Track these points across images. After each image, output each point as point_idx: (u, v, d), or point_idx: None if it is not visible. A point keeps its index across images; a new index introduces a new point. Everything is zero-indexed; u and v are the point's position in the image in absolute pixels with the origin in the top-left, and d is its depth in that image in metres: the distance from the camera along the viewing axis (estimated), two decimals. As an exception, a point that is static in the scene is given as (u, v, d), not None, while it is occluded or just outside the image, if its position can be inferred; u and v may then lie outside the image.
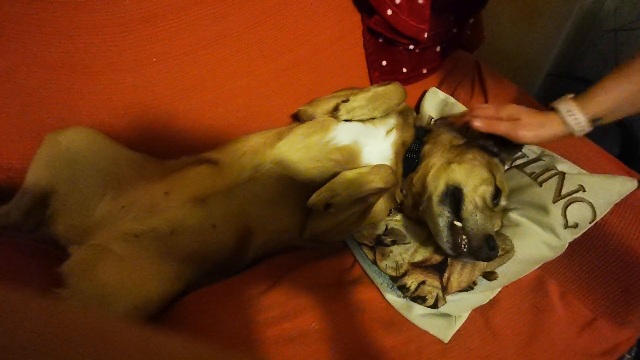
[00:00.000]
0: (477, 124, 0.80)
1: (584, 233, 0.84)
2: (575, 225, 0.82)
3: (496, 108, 0.82)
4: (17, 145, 0.78)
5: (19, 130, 0.77)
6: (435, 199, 0.79)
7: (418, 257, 0.83)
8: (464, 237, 0.74)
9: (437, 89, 1.15)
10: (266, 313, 0.74)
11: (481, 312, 0.84)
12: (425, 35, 1.01)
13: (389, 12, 0.94)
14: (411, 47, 1.07)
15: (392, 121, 0.89)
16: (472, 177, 0.79)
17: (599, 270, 0.87)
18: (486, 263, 0.79)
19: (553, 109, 0.77)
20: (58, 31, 0.71)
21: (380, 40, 1.05)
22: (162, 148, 0.87)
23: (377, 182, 0.79)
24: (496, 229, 0.83)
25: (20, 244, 0.80)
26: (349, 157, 0.84)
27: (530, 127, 0.77)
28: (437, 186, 0.80)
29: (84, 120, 0.80)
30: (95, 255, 0.72)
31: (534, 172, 0.88)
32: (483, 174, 0.80)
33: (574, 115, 0.74)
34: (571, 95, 0.76)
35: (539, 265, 0.86)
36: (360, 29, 1.04)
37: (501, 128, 0.79)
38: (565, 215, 0.81)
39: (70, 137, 0.78)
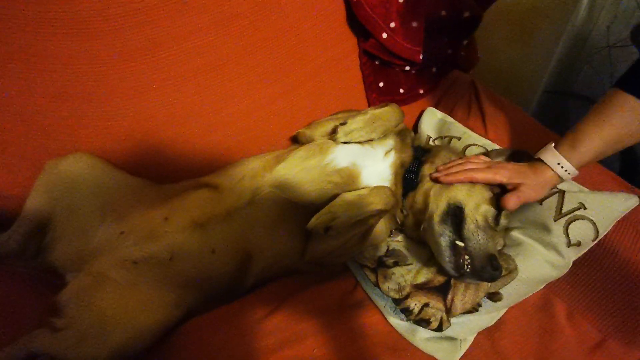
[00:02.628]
0: (511, 204, 0.78)
1: (588, 251, 0.83)
2: (578, 244, 0.81)
3: (491, 167, 0.83)
4: (17, 172, 0.78)
5: (19, 158, 0.78)
6: (436, 218, 0.78)
7: (420, 279, 0.81)
8: (466, 257, 0.73)
9: (434, 109, 1.16)
10: (267, 339, 0.72)
11: (487, 335, 0.82)
12: (421, 57, 1.03)
13: (384, 35, 0.96)
14: (407, 68, 1.09)
15: (390, 142, 0.90)
16: (473, 196, 0.79)
17: (605, 289, 0.85)
18: (490, 283, 0.78)
19: (540, 160, 0.79)
20: (59, 61, 0.73)
21: (377, 63, 1.07)
22: (161, 173, 0.88)
23: (376, 204, 0.78)
24: (498, 248, 0.82)
25: (18, 272, 0.80)
26: (348, 179, 0.84)
27: (535, 189, 0.79)
28: (438, 205, 0.80)
29: (84, 146, 0.80)
30: (93, 283, 0.71)
31: (534, 191, 0.88)
32: (484, 192, 0.80)
33: (564, 168, 0.76)
34: (553, 144, 0.78)
35: (544, 284, 0.85)
36: (357, 52, 1.06)
37: (516, 201, 0.79)
38: (567, 234, 0.80)
39: (70, 164, 0.78)
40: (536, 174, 0.79)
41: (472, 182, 0.82)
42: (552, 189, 0.83)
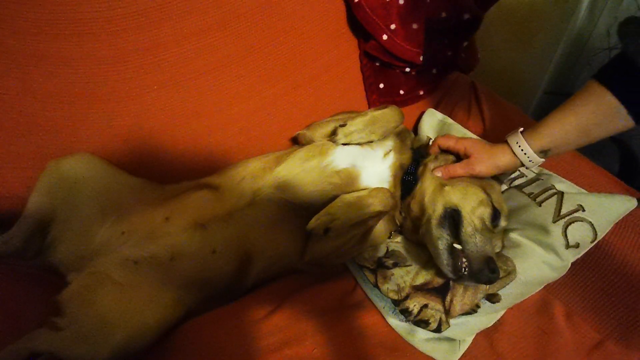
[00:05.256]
0: (438, 174, 0.85)
1: (587, 253, 0.83)
2: (577, 245, 0.81)
3: (456, 140, 0.87)
4: (19, 173, 0.79)
5: (21, 158, 0.78)
6: (433, 222, 0.78)
7: (420, 280, 0.82)
8: (464, 259, 0.74)
9: (434, 110, 1.17)
10: (267, 339, 0.72)
11: (486, 336, 0.83)
12: (421, 59, 1.03)
13: (385, 37, 0.97)
14: (407, 69, 1.09)
15: (389, 143, 0.90)
16: (468, 199, 0.79)
17: (603, 290, 0.86)
18: (488, 285, 0.78)
19: (506, 141, 0.80)
20: (61, 61, 0.73)
21: (377, 64, 1.08)
22: (162, 173, 0.88)
23: (375, 205, 0.79)
24: (497, 250, 0.83)
25: (20, 271, 0.80)
26: (348, 180, 0.84)
27: (483, 161, 0.81)
28: (435, 209, 0.80)
29: (85, 147, 0.81)
30: (94, 283, 0.71)
31: (532, 192, 0.88)
32: (479, 195, 0.80)
33: (522, 148, 0.76)
34: (522, 129, 0.78)
35: (542, 286, 0.85)
36: (357, 53, 1.07)
37: (458, 172, 0.84)
38: (565, 235, 0.81)
39: (71, 164, 0.79)
40: (493, 151, 0.81)
41: (465, 185, 0.82)
42: (510, 170, 0.85)
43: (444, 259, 0.75)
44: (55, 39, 0.71)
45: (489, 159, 0.81)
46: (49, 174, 0.78)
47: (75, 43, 0.73)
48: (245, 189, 0.82)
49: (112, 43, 0.75)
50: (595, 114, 0.68)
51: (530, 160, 0.77)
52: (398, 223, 0.90)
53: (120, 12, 0.73)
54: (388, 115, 0.89)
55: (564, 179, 0.90)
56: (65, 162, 0.78)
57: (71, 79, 0.75)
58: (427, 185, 0.84)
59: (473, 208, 0.78)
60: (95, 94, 0.78)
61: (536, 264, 0.81)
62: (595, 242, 0.82)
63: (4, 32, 0.69)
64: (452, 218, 0.78)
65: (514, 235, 0.85)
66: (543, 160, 0.77)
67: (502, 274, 0.77)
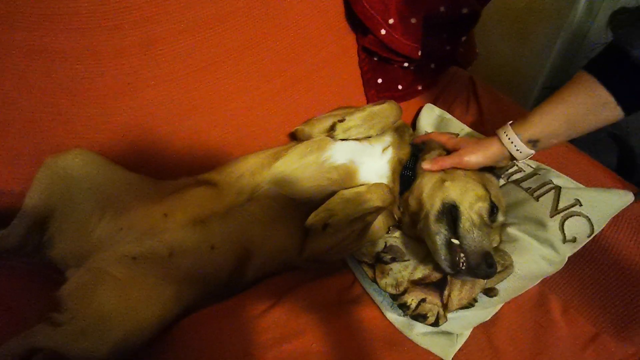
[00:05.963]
0: (426, 166, 0.85)
1: (583, 247, 0.84)
2: (574, 240, 0.81)
3: (448, 137, 0.89)
4: (16, 169, 0.78)
5: (18, 154, 0.78)
6: (431, 217, 0.79)
7: (418, 275, 0.82)
8: (461, 254, 0.74)
9: (433, 105, 1.17)
10: (265, 334, 0.73)
11: (483, 330, 0.83)
12: (419, 54, 1.03)
13: (383, 31, 0.96)
14: (406, 64, 1.09)
15: (388, 139, 0.90)
16: (467, 194, 0.79)
17: (600, 284, 0.86)
18: (486, 280, 0.79)
19: (496, 133, 0.80)
20: (58, 57, 0.73)
21: (375, 59, 1.07)
22: (160, 169, 0.88)
23: (374, 201, 0.79)
24: (494, 245, 0.83)
25: (18, 267, 0.80)
26: (346, 175, 0.84)
27: (472, 151, 0.82)
28: (433, 204, 0.80)
29: (82, 143, 0.81)
30: (93, 279, 0.72)
31: (530, 187, 0.89)
32: (477, 190, 0.80)
33: (510, 137, 0.76)
34: (511, 121, 0.78)
35: (539, 280, 0.85)
36: (355, 48, 1.06)
37: (447, 163, 0.84)
38: (562, 230, 0.81)
39: (69, 160, 0.78)
40: (481, 142, 0.82)
41: (465, 180, 0.82)
42: (499, 161, 0.84)
43: (442, 254, 0.75)
44: (52, 34, 0.71)
45: (477, 150, 0.81)
46: (47, 170, 0.78)
47: (72, 38, 0.72)
48: (244, 185, 0.82)
49: (108, 38, 0.74)
50: (584, 104, 0.68)
51: (518, 150, 0.76)
52: (396, 218, 0.90)
53: (117, 6, 0.72)
54: (386, 111, 0.89)
55: (561, 174, 0.90)
56: (63, 159, 0.78)
57: (68, 74, 0.75)
58: (427, 180, 0.84)
59: (471, 203, 0.78)
60: (93, 89, 0.77)
61: (533, 259, 0.81)
62: (592, 236, 0.83)
63: (1, 27, 0.68)
64: (450, 213, 0.78)
65: (511, 230, 0.85)
66: (533, 151, 0.77)
67: (499, 268, 0.78)
